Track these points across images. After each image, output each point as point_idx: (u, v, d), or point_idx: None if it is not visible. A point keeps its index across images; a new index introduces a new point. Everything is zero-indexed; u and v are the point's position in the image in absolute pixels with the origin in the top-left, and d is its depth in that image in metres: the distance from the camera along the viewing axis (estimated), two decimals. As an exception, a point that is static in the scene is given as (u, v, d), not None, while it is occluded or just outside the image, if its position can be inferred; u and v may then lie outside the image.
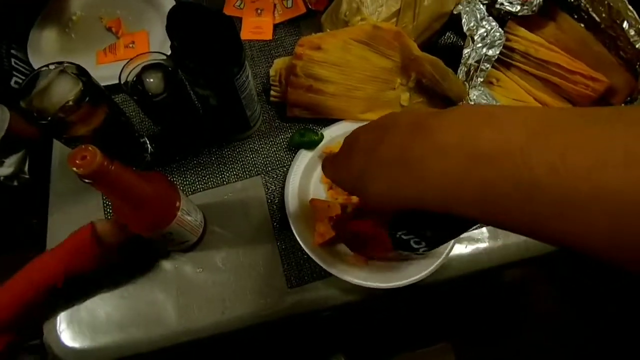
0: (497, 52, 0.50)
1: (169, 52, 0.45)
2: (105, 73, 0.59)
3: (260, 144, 0.57)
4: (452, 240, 0.47)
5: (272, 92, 0.58)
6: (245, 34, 0.65)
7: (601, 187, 0.15)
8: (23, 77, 0.64)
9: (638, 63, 0.48)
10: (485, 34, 0.50)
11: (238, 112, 0.51)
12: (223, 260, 0.50)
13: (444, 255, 0.47)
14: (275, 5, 0.67)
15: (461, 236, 0.50)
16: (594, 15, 0.51)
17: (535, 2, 0.51)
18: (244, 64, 0.45)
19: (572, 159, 0.16)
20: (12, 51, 0.64)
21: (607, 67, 0.50)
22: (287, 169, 0.52)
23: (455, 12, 0.54)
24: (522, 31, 0.52)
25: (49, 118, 0.38)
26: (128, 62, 0.44)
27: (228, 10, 0.68)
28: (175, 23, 0.40)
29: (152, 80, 0.45)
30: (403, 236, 0.34)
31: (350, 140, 0.28)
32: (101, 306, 0.48)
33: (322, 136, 0.53)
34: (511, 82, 0.54)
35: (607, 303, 0.88)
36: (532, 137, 0.17)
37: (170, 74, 0.45)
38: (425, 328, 0.83)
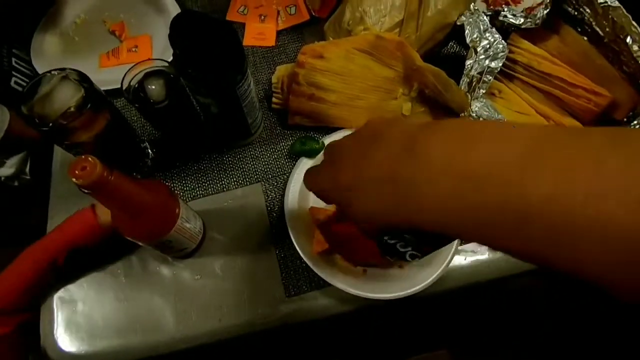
0: (500, 64, 0.50)
1: (171, 58, 0.45)
2: (108, 77, 0.59)
3: (261, 151, 0.57)
4: (451, 252, 0.47)
5: (273, 99, 0.58)
6: (248, 40, 0.65)
7: (598, 216, 0.15)
8: (23, 78, 0.64)
9: (641, 78, 0.48)
10: (488, 45, 0.50)
11: (239, 120, 0.51)
12: (221, 268, 0.50)
13: (442, 267, 0.47)
14: (278, 12, 0.67)
15: (461, 247, 0.50)
16: (598, 29, 0.51)
17: (539, 15, 0.51)
18: (246, 73, 0.45)
19: (567, 185, 0.15)
20: (14, 50, 0.65)
21: (610, 81, 0.50)
22: (288, 177, 0.52)
23: (458, 23, 0.54)
24: (525, 44, 0.52)
25: (50, 124, 0.38)
26: (130, 69, 0.44)
27: (231, 16, 0.68)
28: (178, 31, 0.40)
29: (154, 87, 0.45)
30: (388, 240, 0.34)
31: (335, 150, 0.27)
32: (98, 311, 0.48)
33: (323, 145, 0.53)
34: (513, 94, 0.54)
35: (610, 316, 0.88)
36: (526, 160, 0.17)
37: (172, 82, 0.45)
38: (423, 337, 0.83)
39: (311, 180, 0.30)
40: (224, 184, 0.55)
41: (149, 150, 0.54)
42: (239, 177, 0.55)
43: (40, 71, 0.61)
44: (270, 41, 0.65)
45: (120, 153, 0.49)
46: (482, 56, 0.51)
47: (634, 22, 0.47)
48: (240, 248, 0.51)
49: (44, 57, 0.63)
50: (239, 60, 0.43)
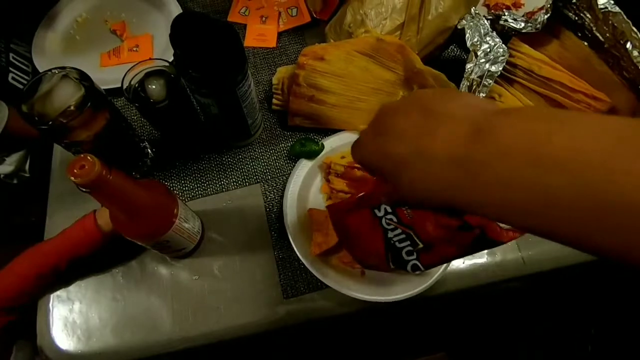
0: (500, 68, 0.50)
1: (172, 58, 0.45)
2: (109, 76, 0.59)
3: (261, 152, 0.57)
4: None
5: (274, 101, 0.58)
6: (249, 41, 0.65)
7: None
8: (21, 74, 0.64)
9: (641, 83, 0.48)
10: (488, 49, 0.50)
11: (239, 121, 0.51)
12: (219, 268, 0.50)
13: (440, 270, 0.47)
14: (280, 14, 0.67)
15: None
16: (598, 34, 0.51)
17: (539, 20, 0.51)
18: (246, 74, 0.45)
19: None
20: (12, 46, 0.64)
21: (609, 87, 0.50)
22: (287, 178, 0.52)
23: (459, 27, 0.54)
24: (526, 48, 0.52)
25: (50, 123, 0.38)
26: (130, 68, 0.44)
27: (233, 17, 0.68)
28: (179, 32, 0.40)
29: (154, 87, 0.45)
30: (397, 244, 0.34)
31: (388, 119, 0.25)
32: (95, 310, 0.48)
33: (323, 146, 0.53)
34: (513, 98, 0.54)
35: (606, 320, 0.88)
36: (616, 146, 0.16)
37: (173, 82, 0.45)
38: (421, 340, 0.83)
39: (357, 150, 0.28)
40: (223, 184, 0.55)
41: (149, 150, 0.54)
42: (238, 177, 0.55)
43: (40, 69, 0.61)
44: (271, 42, 0.66)
45: (120, 152, 0.49)
46: (483, 60, 0.51)
47: (634, 28, 0.47)
48: (238, 249, 0.51)
49: (44, 55, 0.63)
50: (239, 61, 0.43)
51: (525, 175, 0.18)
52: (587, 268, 0.51)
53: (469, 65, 0.52)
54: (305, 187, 0.52)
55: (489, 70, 0.50)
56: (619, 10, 0.48)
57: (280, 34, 0.66)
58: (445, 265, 0.47)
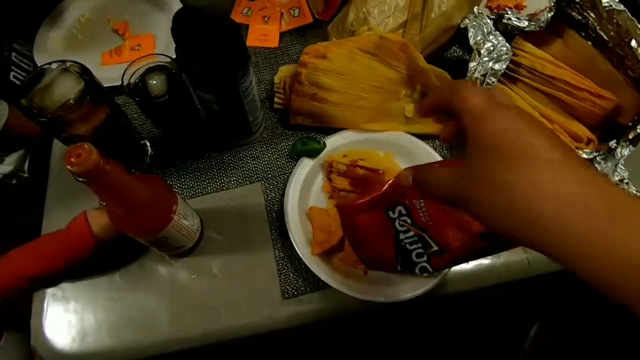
0: (504, 67, 0.49)
1: (174, 55, 0.45)
2: (109, 75, 0.59)
3: (262, 151, 0.56)
4: None
5: (275, 99, 0.58)
6: (252, 41, 0.65)
7: None
8: (22, 73, 0.64)
9: (646, 82, 0.47)
10: (492, 47, 0.50)
11: (240, 118, 0.50)
12: (219, 268, 0.49)
13: (444, 271, 0.46)
14: (282, 14, 0.67)
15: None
16: (602, 33, 0.51)
17: (543, 19, 0.51)
18: (248, 70, 0.44)
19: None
20: (14, 45, 0.65)
21: (614, 86, 0.50)
22: (288, 177, 0.51)
23: (462, 26, 0.54)
24: (529, 47, 0.52)
25: (49, 115, 0.38)
26: (132, 62, 0.44)
27: (235, 17, 0.68)
28: (180, 26, 0.40)
29: (155, 82, 0.44)
30: (408, 245, 0.34)
31: (493, 142, 0.22)
32: (91, 310, 0.47)
33: (325, 145, 0.53)
34: (517, 97, 0.53)
35: (609, 322, 0.86)
36: None
37: (174, 77, 0.44)
38: (423, 341, 0.81)
39: (437, 176, 0.26)
40: (224, 182, 0.54)
41: (149, 148, 0.54)
42: (238, 176, 0.54)
43: (42, 67, 0.61)
44: (274, 42, 0.65)
45: (119, 148, 0.48)
46: (486, 58, 0.50)
47: (639, 25, 0.47)
48: (238, 248, 0.50)
49: (46, 54, 0.63)
50: (241, 56, 0.43)
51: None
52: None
53: (472, 64, 0.51)
54: (306, 185, 0.52)
55: (492, 69, 0.50)
56: (624, 8, 0.47)
57: (282, 34, 0.66)
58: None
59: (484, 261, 0.50)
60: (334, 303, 0.46)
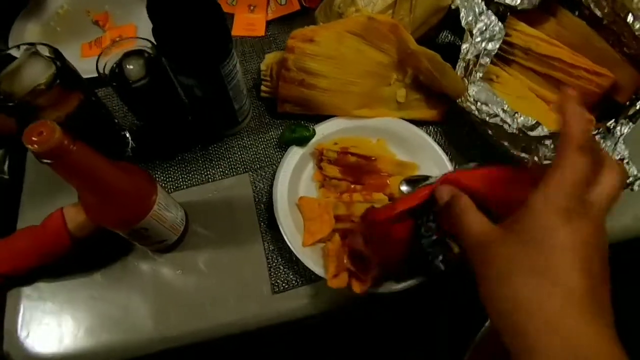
0: (497, 46, 0.48)
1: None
2: (89, 66, 0.55)
3: (250, 141, 0.54)
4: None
5: (262, 87, 0.56)
6: (237, 30, 0.63)
7: None
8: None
9: (644, 58, 0.46)
10: (484, 27, 0.48)
11: (225, 105, 0.48)
12: (205, 263, 0.47)
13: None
14: (268, 2, 0.65)
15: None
16: (596, 10, 0.49)
17: (535, -4, 0.50)
18: (230, 51, 0.42)
19: None
20: None
21: (611, 64, 0.48)
22: (277, 167, 0.49)
23: (453, 7, 0.52)
24: (523, 26, 0.50)
25: (16, 101, 0.36)
26: (106, 47, 0.42)
27: (220, 6, 0.66)
28: (157, 5, 0.38)
29: (132, 67, 0.42)
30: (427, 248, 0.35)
31: (538, 229, 0.23)
32: (69, 310, 0.44)
33: (314, 132, 0.51)
34: (512, 79, 0.51)
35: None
36: None
37: (153, 61, 0.42)
38: (420, 334, 0.78)
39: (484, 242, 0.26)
40: (210, 174, 0.52)
41: (130, 140, 0.51)
42: (225, 167, 0.52)
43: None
44: (260, 31, 0.64)
45: (96, 138, 0.45)
46: (478, 39, 0.49)
47: (635, -1, 0.45)
48: (225, 241, 0.48)
49: (23, 47, 0.60)
50: (222, 37, 0.41)
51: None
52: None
53: (464, 46, 0.50)
54: (296, 175, 0.49)
55: (485, 49, 0.48)
56: (618, -18, 0.46)
57: (269, 23, 0.64)
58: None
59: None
60: (327, 296, 0.44)
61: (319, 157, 0.50)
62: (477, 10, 0.50)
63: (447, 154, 0.50)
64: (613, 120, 0.45)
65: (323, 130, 0.52)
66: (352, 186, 0.49)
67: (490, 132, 0.48)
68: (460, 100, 0.50)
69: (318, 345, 0.68)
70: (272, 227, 0.48)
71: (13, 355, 0.42)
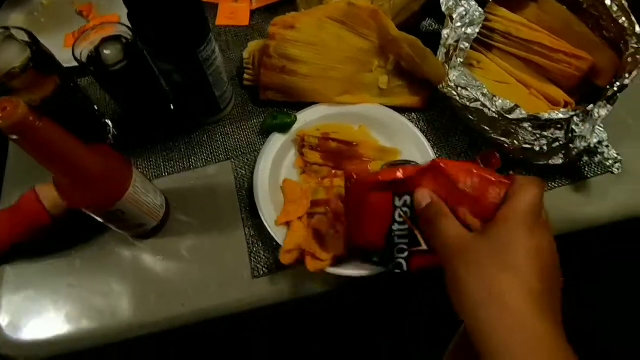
0: (477, 31, 0.48)
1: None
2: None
3: (232, 129, 0.54)
4: None
5: (245, 76, 0.56)
6: (221, 20, 0.63)
7: None
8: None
9: (622, 41, 0.46)
10: (464, 12, 0.48)
11: (205, 91, 0.48)
12: (186, 249, 0.47)
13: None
14: (252, -8, 0.65)
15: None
16: (576, -6, 0.49)
17: (515, -19, 0.50)
18: (208, 35, 0.42)
19: None
20: None
21: (591, 47, 0.48)
22: (259, 154, 0.49)
23: (433, -7, 0.52)
24: (503, 11, 0.51)
25: (-11, 84, 0.36)
26: (83, 34, 0.42)
27: (204, -4, 0.66)
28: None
29: (109, 52, 0.42)
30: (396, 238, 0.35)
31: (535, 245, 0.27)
32: (49, 296, 0.44)
33: (296, 118, 0.51)
34: (492, 64, 0.52)
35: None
36: None
37: (130, 45, 0.42)
38: (404, 319, 0.78)
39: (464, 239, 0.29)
40: (192, 161, 0.52)
41: (111, 127, 0.51)
42: (207, 155, 0.52)
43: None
44: (244, 21, 0.63)
45: (75, 124, 0.45)
46: (459, 24, 0.49)
47: (612, -18, 0.45)
48: (207, 228, 0.48)
49: (6, 37, 0.60)
50: (198, 21, 0.41)
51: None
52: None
53: (445, 32, 0.50)
54: (278, 161, 0.49)
55: (465, 33, 0.48)
56: (596, -34, 0.46)
57: (253, 12, 0.64)
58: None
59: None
60: (306, 280, 0.44)
61: (301, 144, 0.50)
62: (457, -5, 0.50)
63: (429, 140, 0.50)
64: (592, 104, 0.45)
65: (305, 117, 0.52)
66: (333, 172, 0.49)
67: (470, 117, 0.48)
68: (441, 86, 0.50)
69: (298, 330, 0.68)
70: (253, 214, 0.48)
71: (-8, 341, 0.42)
